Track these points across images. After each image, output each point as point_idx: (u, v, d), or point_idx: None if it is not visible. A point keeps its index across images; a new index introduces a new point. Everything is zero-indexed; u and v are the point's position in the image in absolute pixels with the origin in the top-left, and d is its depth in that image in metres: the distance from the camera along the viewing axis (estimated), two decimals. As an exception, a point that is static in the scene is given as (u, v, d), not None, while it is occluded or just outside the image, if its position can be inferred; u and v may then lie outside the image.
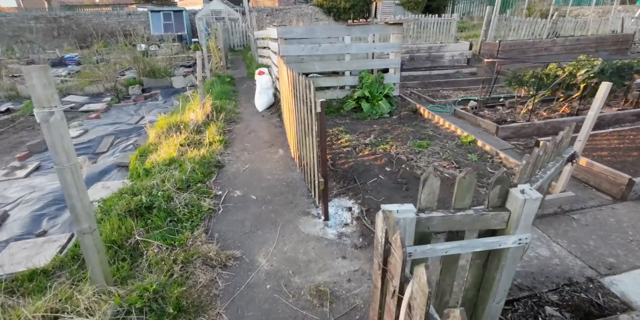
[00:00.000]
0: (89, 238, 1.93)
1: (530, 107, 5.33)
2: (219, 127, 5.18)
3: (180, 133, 4.84)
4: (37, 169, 4.60)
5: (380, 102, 5.78)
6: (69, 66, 13.18)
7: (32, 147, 5.19)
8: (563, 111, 5.42)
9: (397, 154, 4.02)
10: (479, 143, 4.29)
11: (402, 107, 5.98)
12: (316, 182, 2.85)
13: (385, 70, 6.38)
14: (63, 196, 1.90)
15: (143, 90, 9.17)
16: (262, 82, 6.36)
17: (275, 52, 6.48)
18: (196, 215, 2.94)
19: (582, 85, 4.96)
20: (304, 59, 6.01)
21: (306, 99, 2.74)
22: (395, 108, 5.97)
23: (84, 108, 7.69)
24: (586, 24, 13.32)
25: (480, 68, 10.36)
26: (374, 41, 7.40)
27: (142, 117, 6.98)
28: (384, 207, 1.22)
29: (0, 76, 9.30)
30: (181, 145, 4.45)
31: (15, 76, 10.13)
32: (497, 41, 10.56)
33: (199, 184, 3.39)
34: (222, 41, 11.83)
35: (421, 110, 5.75)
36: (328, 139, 4.70)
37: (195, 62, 12.90)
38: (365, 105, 5.71)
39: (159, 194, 3.04)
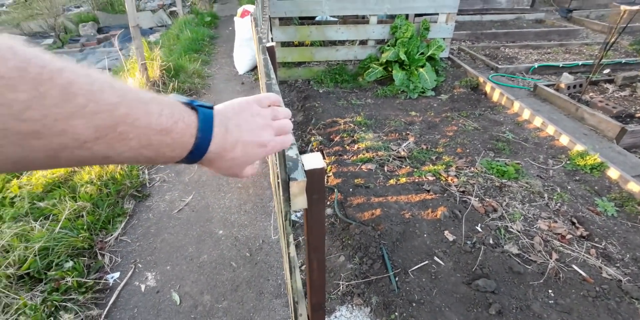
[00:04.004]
0: None
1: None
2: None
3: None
4: None
5: (421, 69, 3.71)
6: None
7: None
8: None
9: (463, 191, 2.19)
10: (612, 173, 2.37)
11: (455, 79, 3.90)
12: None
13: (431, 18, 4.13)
14: None
15: (99, 30, 6.96)
16: (243, 28, 4.20)
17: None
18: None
19: None
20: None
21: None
22: (444, 80, 3.90)
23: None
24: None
25: (549, 13, 7.70)
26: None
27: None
28: None
29: None
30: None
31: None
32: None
33: (70, 263, 1.67)
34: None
35: (486, 88, 3.68)
36: (336, 139, 2.83)
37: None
38: (398, 75, 3.66)
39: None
